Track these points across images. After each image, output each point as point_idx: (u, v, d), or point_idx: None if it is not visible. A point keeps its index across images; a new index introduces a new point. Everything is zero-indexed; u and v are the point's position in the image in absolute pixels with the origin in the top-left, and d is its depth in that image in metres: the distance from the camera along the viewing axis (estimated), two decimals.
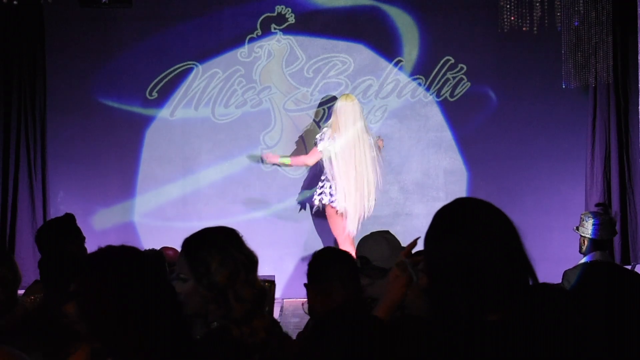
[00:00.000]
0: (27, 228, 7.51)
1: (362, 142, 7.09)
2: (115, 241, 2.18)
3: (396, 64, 7.90)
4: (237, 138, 7.89)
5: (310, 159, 7.37)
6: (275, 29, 7.89)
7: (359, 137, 7.09)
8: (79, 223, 4.89)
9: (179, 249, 2.76)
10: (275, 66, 7.91)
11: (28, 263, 6.97)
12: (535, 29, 6.42)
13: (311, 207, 7.51)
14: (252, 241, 2.78)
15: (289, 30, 7.89)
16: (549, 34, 6.79)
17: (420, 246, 2.17)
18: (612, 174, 7.65)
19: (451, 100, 7.91)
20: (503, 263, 1.84)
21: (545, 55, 7.57)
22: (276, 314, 6.74)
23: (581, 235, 5.79)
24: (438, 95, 7.91)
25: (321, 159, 7.21)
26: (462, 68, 7.87)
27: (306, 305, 3.34)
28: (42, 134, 7.67)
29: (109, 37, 7.82)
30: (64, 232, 4.69)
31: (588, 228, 5.74)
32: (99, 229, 7.65)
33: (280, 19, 7.89)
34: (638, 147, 7.51)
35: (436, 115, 7.94)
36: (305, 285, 3.30)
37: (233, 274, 2.63)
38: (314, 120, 7.91)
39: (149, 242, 7.05)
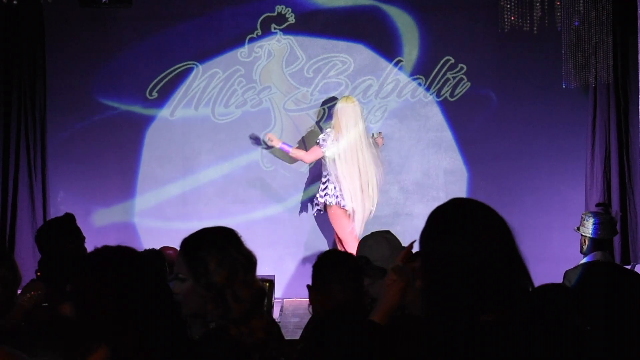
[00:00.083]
0: (27, 228, 7.51)
1: (364, 143, 7.10)
2: (115, 241, 2.17)
3: (396, 64, 7.90)
4: (237, 138, 7.89)
5: (308, 157, 7.35)
6: (275, 29, 7.88)
7: (361, 139, 7.09)
8: (79, 223, 4.88)
9: (178, 249, 2.76)
10: (275, 66, 7.91)
11: (28, 263, 6.95)
12: (535, 29, 6.42)
13: (312, 208, 7.49)
14: (252, 241, 2.78)
15: (289, 30, 7.89)
16: (549, 34, 6.79)
17: (417, 247, 2.16)
18: (612, 174, 7.64)
19: (451, 100, 7.91)
20: (499, 263, 1.84)
21: (545, 55, 7.57)
22: (276, 314, 6.74)
23: (582, 235, 5.80)
24: (438, 95, 7.90)
25: (323, 160, 7.20)
26: (462, 68, 7.87)
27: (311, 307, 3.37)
28: (42, 134, 7.66)
29: (109, 37, 7.81)
30: (64, 232, 4.68)
31: (589, 227, 5.75)
32: (99, 228, 7.64)
33: (280, 19, 7.88)
34: (638, 147, 7.50)
35: (436, 115, 7.93)
36: (307, 286, 3.33)
37: (231, 274, 2.62)
38: (314, 120, 7.91)
39: (149, 242, 7.05)
